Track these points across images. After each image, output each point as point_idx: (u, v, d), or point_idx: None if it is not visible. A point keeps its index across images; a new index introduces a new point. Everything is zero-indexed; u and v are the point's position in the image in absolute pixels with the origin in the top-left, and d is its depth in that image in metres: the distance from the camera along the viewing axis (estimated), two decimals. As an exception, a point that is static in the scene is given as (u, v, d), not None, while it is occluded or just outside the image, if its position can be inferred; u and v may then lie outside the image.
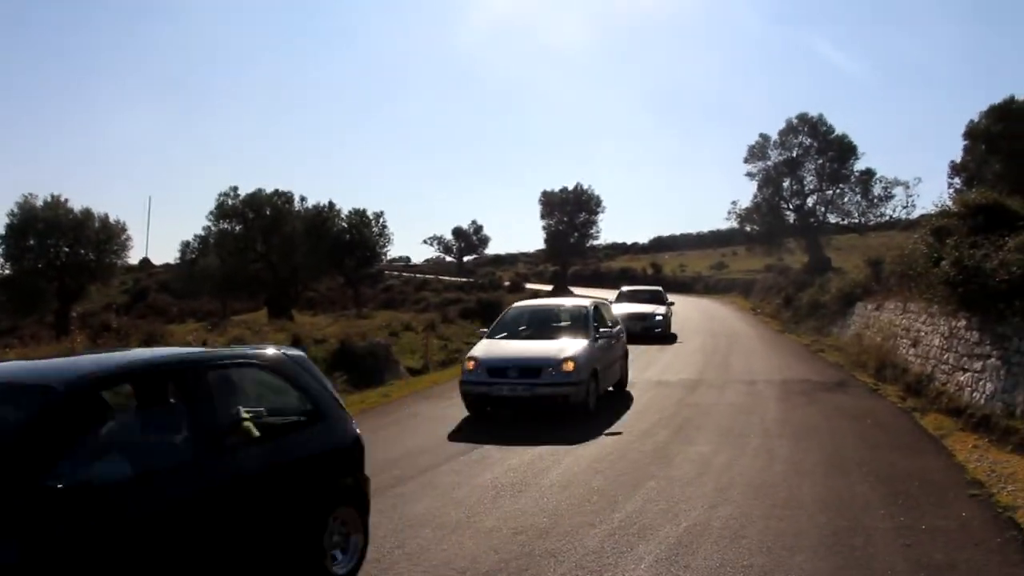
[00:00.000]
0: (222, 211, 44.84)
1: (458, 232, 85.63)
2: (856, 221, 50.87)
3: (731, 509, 7.89)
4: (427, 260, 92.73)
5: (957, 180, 45.29)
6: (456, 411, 14.24)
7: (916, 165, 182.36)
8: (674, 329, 30.11)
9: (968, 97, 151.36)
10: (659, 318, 28.18)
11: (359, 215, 44.71)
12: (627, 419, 13.24)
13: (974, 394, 13.29)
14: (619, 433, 11.89)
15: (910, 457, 10.26)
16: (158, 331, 18.69)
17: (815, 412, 13.68)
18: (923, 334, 17.04)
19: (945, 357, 15.19)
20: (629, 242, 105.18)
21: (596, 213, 59.01)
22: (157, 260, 74.91)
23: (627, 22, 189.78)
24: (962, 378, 14.07)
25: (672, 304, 31.24)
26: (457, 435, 12.07)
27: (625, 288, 34.34)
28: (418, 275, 69.65)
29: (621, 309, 25.91)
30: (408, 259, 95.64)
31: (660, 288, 34.05)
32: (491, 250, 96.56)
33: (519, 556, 6.61)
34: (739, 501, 8.18)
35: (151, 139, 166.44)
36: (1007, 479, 8.91)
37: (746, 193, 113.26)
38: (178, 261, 50.63)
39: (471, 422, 13.14)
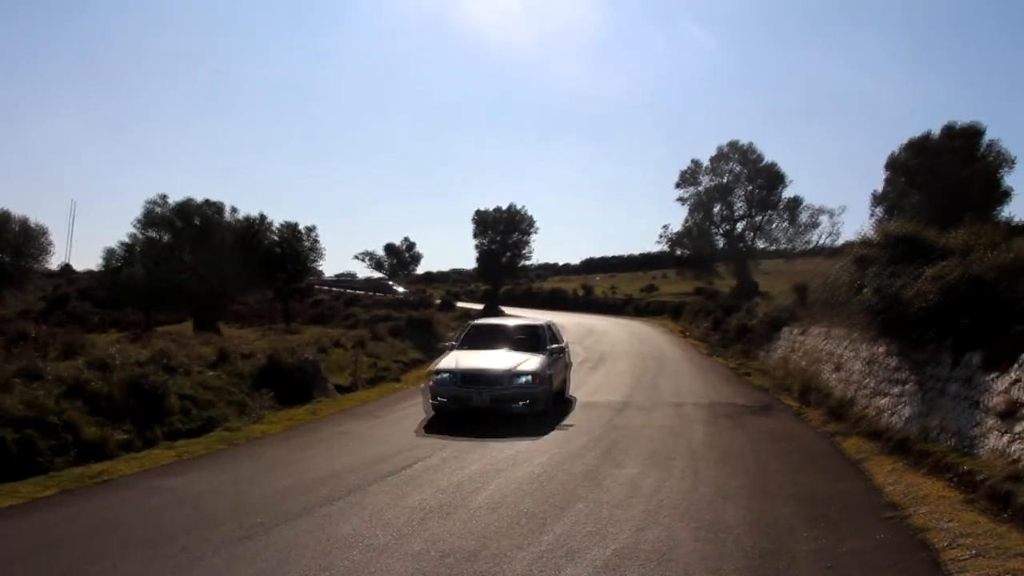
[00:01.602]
0: (149, 219, 43.86)
1: (390, 249, 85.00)
2: (783, 247, 52.05)
3: (659, 532, 7.97)
4: (338, 275, 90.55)
5: (879, 210, 46.65)
6: (384, 430, 14.19)
7: (842, 193, 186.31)
8: (596, 359, 29.47)
9: (892, 129, 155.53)
10: (525, 379, 15.49)
11: (290, 228, 44.17)
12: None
13: (892, 418, 13.64)
14: None
15: (831, 480, 10.50)
16: (78, 341, 18.23)
17: (741, 435, 13.91)
18: (845, 359, 17.44)
19: (866, 382, 15.57)
20: (561, 263, 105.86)
21: (529, 233, 59.31)
22: (80, 267, 73.07)
23: (563, 42, 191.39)
24: (881, 402, 14.44)
25: (563, 349, 18.93)
26: (385, 455, 11.96)
27: (478, 322, 20.12)
28: (348, 291, 68.95)
29: (456, 362, 15.92)
30: (354, 275, 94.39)
31: (544, 324, 18.62)
32: (423, 267, 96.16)
33: (446, 579, 6.59)
34: (667, 524, 8.26)
35: (76, 142, 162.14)
36: (920, 501, 9.21)
37: (677, 217, 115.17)
38: (101, 269, 49.30)
39: (400, 442, 13.05)
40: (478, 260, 60.73)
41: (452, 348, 17.56)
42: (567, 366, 19.42)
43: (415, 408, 16.92)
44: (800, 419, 15.89)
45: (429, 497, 9.38)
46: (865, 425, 14.20)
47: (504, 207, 58.73)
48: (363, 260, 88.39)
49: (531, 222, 58.99)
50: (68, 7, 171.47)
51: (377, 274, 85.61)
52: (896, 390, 13.91)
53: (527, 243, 59.53)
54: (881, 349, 14.95)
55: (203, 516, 8.56)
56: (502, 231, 58.44)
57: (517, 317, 21.69)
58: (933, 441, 11.71)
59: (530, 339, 17.62)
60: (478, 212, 58.98)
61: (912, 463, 11.23)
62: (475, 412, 15.26)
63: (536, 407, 15.51)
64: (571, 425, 14.97)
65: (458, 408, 15.45)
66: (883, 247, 16.11)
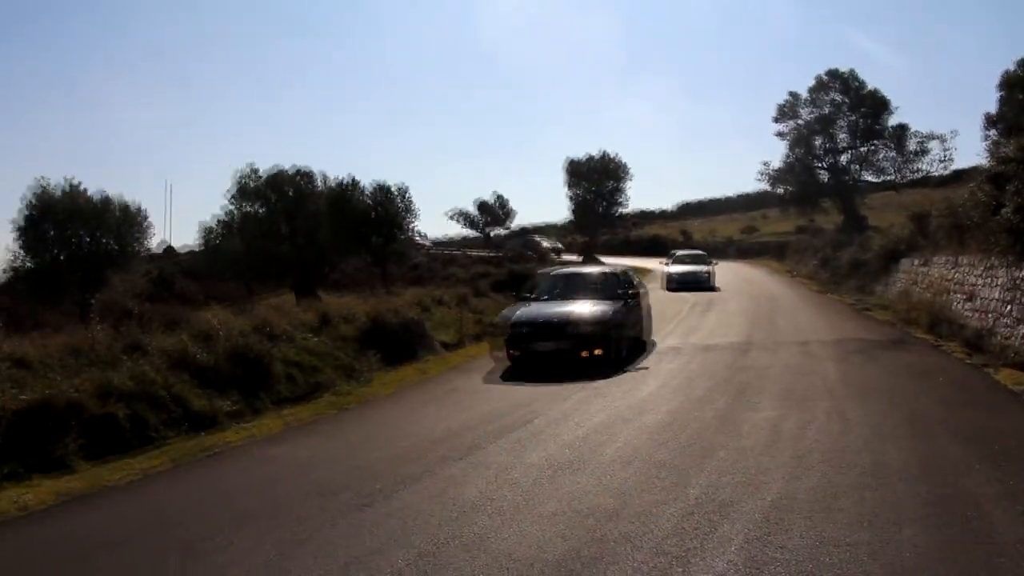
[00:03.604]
0: (242, 192, 43.88)
1: (483, 206, 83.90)
2: (891, 178, 49.35)
3: (815, 479, 7.14)
4: (419, 242, 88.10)
5: (993, 132, 43.92)
6: (498, 385, 13.58)
7: (948, 119, 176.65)
8: (706, 302, 29.21)
9: (994, 48, 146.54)
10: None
11: (383, 191, 43.53)
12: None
13: (1044, 346, 12.51)
14: None
15: (996, 415, 9.52)
16: (180, 315, 18.12)
17: (879, 371, 12.92)
18: (979, 287, 16.25)
19: (1007, 310, 14.41)
20: (656, 209, 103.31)
21: (623, 180, 57.50)
22: (179, 245, 74.06)
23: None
24: (1028, 330, 13.29)
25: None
26: (502, 411, 11.33)
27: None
28: (445, 251, 68.55)
29: None
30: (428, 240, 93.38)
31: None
32: (518, 222, 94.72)
33: (590, 542, 5.88)
34: (822, 470, 7.41)
35: (162, 122, 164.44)
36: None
37: (774, 154, 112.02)
38: (201, 247, 49.77)
39: (515, 397, 12.39)
40: (573, 211, 59.33)
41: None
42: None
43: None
44: (940, 352, 14.74)
45: (555, 452, 8.70)
46: (1011, 355, 13.08)
47: (596, 155, 57.28)
48: (455, 219, 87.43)
49: (625, 169, 57.16)
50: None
51: (471, 232, 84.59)
52: (1045, 316, 12.73)
53: (622, 191, 57.80)
54: (1024, 273, 13.73)
55: (317, 484, 8.06)
56: (595, 180, 56.86)
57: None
58: (1098, 368, 10.60)
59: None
60: (571, 162, 57.43)
61: (1083, 393, 10.12)
62: None
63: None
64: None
65: None
66: (1021, 162, 14.85)
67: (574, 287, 17.23)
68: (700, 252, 41.40)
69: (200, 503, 7.79)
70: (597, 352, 14.61)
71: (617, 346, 15.23)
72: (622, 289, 17.00)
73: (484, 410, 11.46)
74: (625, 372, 14.01)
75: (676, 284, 33.45)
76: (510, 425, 10.24)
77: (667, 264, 37.08)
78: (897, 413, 9.78)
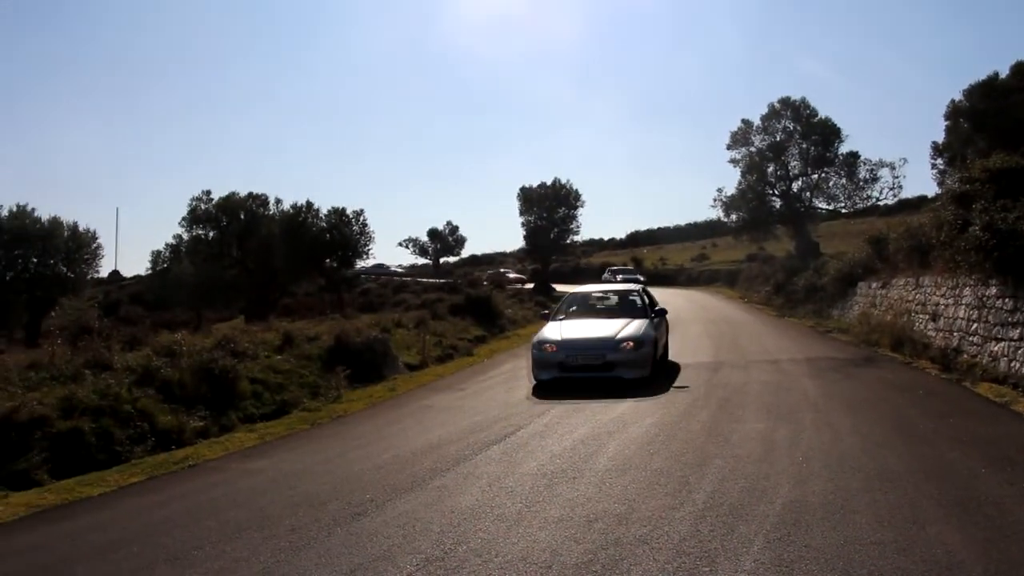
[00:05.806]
0: (195, 216, 43.16)
1: (433, 233, 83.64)
2: (842, 205, 49.96)
3: (821, 484, 6.99)
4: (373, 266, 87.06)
5: (939, 161, 44.73)
6: (472, 401, 13.34)
7: (899, 148, 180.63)
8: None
9: (942, 79, 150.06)
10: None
11: (338, 214, 43.05)
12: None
13: (1013, 364, 12.57)
14: None
15: (987, 424, 9.45)
16: (141, 333, 17.64)
17: (858, 386, 12.89)
18: (943, 307, 16.37)
19: (973, 328, 14.50)
20: (606, 238, 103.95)
21: (575, 208, 57.43)
22: (127, 273, 72.69)
23: (610, 18, 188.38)
24: (996, 348, 13.38)
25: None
26: (481, 425, 11.06)
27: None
28: (395, 278, 68.00)
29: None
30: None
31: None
32: (468, 250, 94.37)
33: (605, 545, 5.65)
34: (826, 476, 7.27)
35: (113, 149, 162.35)
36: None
37: (725, 182, 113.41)
38: (149, 272, 48.93)
39: (492, 412, 12.12)
40: (525, 238, 59.07)
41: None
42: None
43: (498, 379, 16.07)
44: (913, 368, 14.78)
45: (546, 463, 8.45)
46: (979, 373, 13.13)
47: (549, 182, 57.26)
48: (407, 247, 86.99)
49: (577, 196, 57.10)
50: (96, 13, 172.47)
51: (422, 260, 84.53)
52: (1014, 334, 12.80)
53: (574, 217, 57.66)
54: (992, 291, 13.84)
55: (304, 495, 7.71)
56: (548, 206, 56.74)
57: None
58: (1071, 385, 10.67)
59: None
60: (523, 189, 57.38)
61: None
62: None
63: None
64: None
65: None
66: (985, 182, 15.04)
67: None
68: (630, 286, 20.23)
69: (184, 514, 7.36)
70: None
71: None
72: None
73: (463, 424, 11.17)
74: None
75: (560, 368, 14.32)
76: (493, 438, 9.98)
77: (553, 317, 16.57)
78: (886, 423, 9.72)
